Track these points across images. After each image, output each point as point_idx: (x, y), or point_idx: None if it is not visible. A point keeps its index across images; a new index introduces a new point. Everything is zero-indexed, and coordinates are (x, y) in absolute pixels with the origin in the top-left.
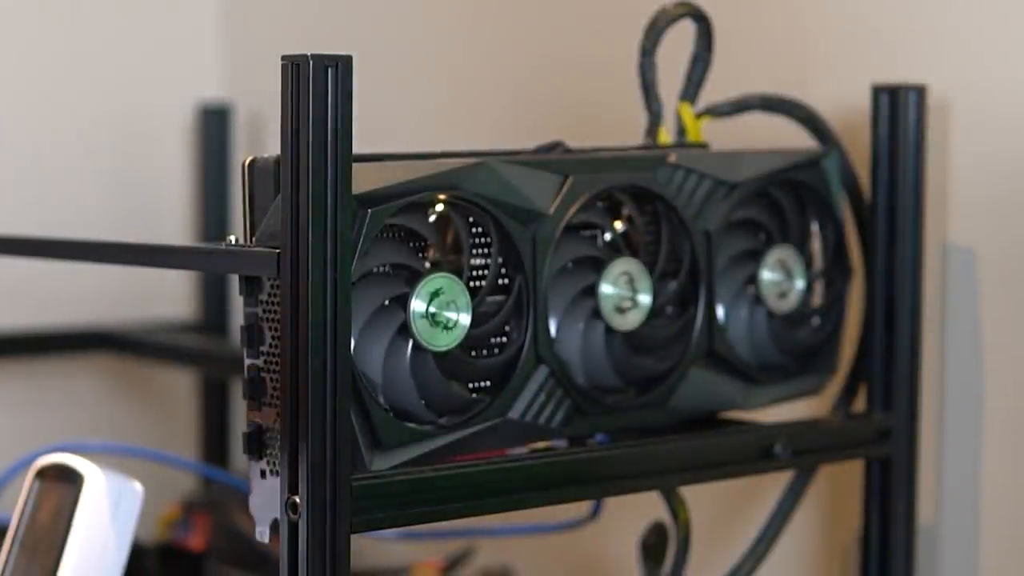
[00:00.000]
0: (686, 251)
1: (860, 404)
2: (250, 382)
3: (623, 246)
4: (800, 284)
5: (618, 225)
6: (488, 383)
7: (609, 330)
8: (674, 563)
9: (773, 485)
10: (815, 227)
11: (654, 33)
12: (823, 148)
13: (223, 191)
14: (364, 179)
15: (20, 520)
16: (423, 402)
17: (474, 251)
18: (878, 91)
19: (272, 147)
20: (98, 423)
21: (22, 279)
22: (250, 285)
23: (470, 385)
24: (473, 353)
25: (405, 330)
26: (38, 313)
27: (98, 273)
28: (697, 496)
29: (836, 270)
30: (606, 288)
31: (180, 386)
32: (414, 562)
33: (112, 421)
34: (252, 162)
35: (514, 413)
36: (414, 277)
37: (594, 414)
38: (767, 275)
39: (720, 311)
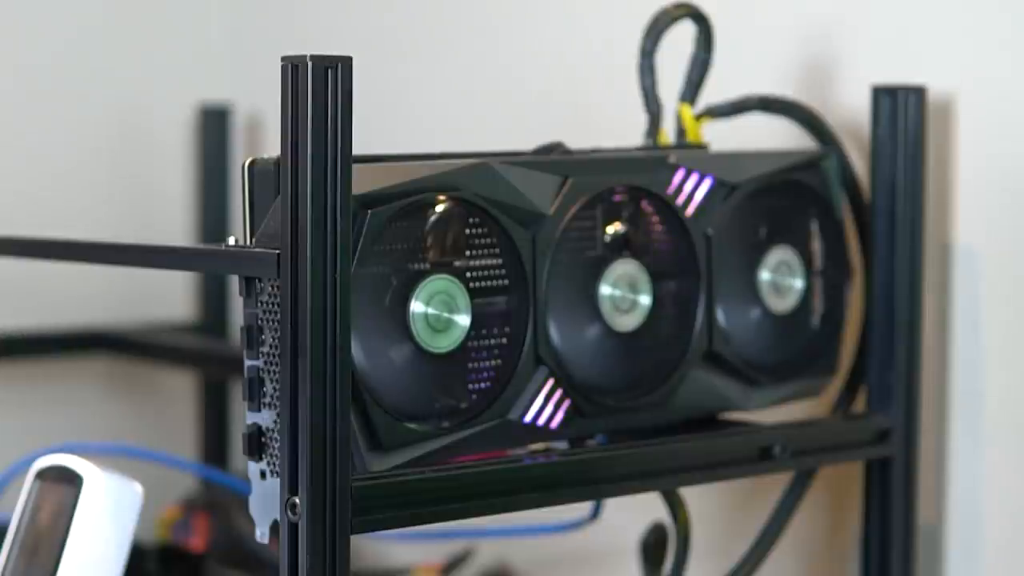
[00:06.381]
0: (686, 252)
1: (860, 405)
2: (250, 382)
3: (623, 247)
4: (800, 284)
5: (618, 226)
6: (488, 384)
7: (609, 331)
8: (674, 563)
9: (773, 486)
10: (815, 227)
11: (654, 34)
12: (823, 149)
13: (223, 191)
14: (364, 180)
15: (20, 520)
16: (423, 403)
17: (474, 252)
18: (878, 92)
19: (272, 148)
20: (98, 424)
21: (22, 279)
22: (250, 286)
23: (470, 386)
24: (473, 354)
25: (405, 331)
26: (38, 314)
27: (98, 273)
28: (697, 496)
29: (836, 270)
30: (606, 289)
31: (180, 386)
32: (414, 563)
33: (112, 421)
34: (252, 163)
35: (514, 414)
36: (414, 278)
37: (594, 415)
38: (767, 275)
39: (720, 312)
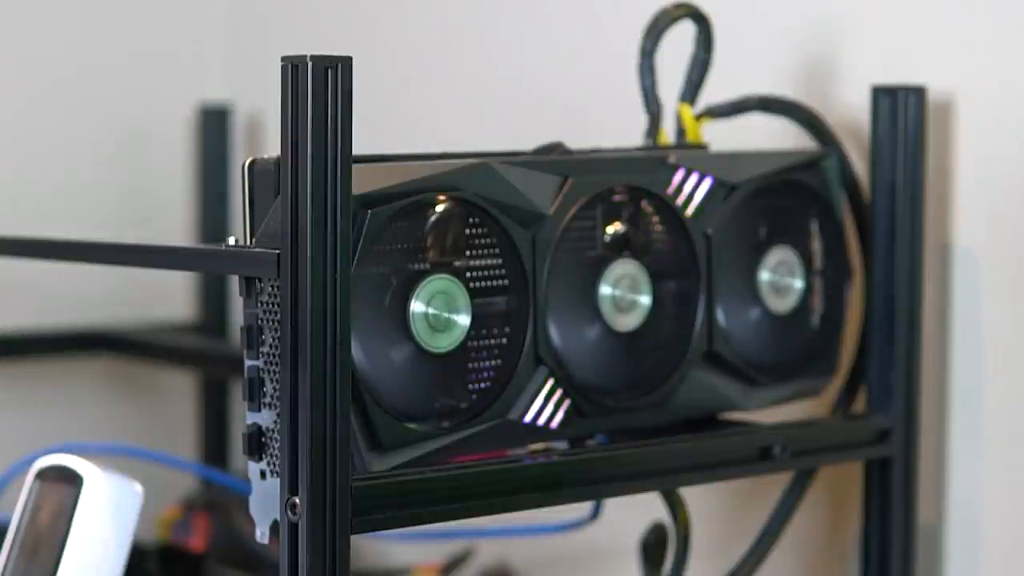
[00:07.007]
0: (686, 252)
1: (860, 405)
2: (250, 382)
3: (623, 247)
4: (800, 284)
5: (618, 226)
6: (488, 384)
7: (609, 331)
8: (674, 563)
9: (773, 486)
10: (815, 227)
11: (654, 34)
12: (823, 149)
13: (223, 191)
14: (364, 180)
15: (20, 521)
16: (423, 403)
17: (474, 252)
18: (878, 92)
19: (272, 148)
20: (98, 424)
21: (22, 279)
22: (250, 286)
23: (470, 386)
24: (473, 354)
25: (405, 331)
26: (38, 314)
27: (98, 273)
28: (697, 496)
29: (836, 271)
30: (606, 289)
31: (180, 386)
32: (414, 563)
33: (112, 422)
34: (252, 163)
35: (514, 414)
36: (414, 278)
37: (594, 415)
38: (767, 276)
39: (720, 312)
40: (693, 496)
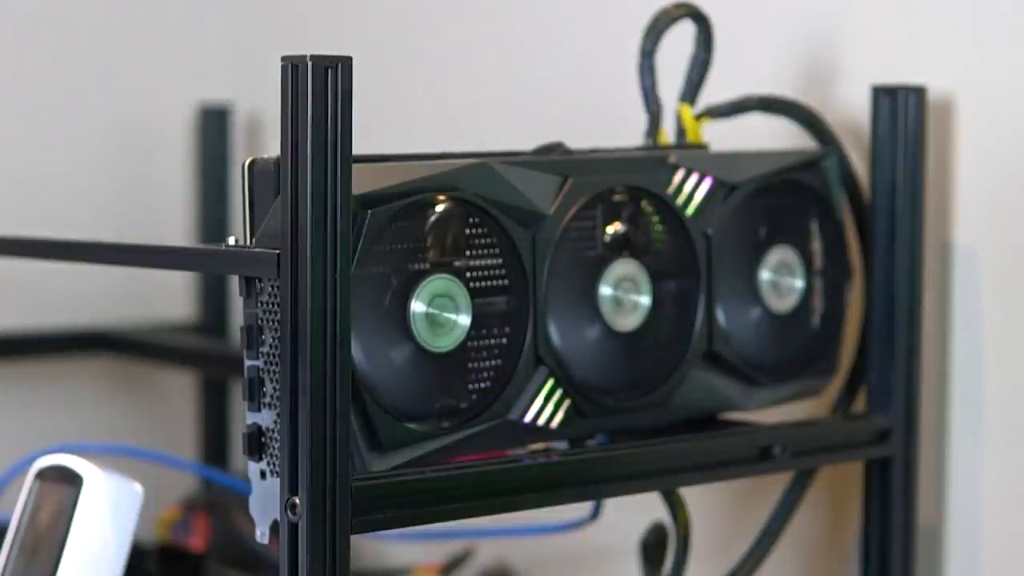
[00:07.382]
0: (686, 252)
1: (860, 405)
2: (250, 382)
3: (623, 247)
4: (800, 284)
5: (618, 226)
6: (488, 384)
7: (609, 331)
8: (674, 563)
9: (773, 486)
10: (815, 227)
11: (654, 34)
12: (823, 149)
13: (223, 191)
14: (364, 179)
15: (20, 521)
16: (423, 403)
17: (474, 252)
18: (878, 92)
19: (272, 148)
20: (98, 424)
21: (22, 279)
22: (250, 286)
23: (470, 386)
24: (473, 354)
25: (405, 331)
26: (38, 313)
27: (98, 273)
28: (697, 496)
29: (836, 270)
30: (606, 289)
31: (180, 386)
32: (414, 563)
33: (112, 422)
34: (252, 163)
35: (514, 414)
36: (414, 278)
37: (594, 415)
38: (767, 275)
39: (720, 312)
40: (693, 496)
